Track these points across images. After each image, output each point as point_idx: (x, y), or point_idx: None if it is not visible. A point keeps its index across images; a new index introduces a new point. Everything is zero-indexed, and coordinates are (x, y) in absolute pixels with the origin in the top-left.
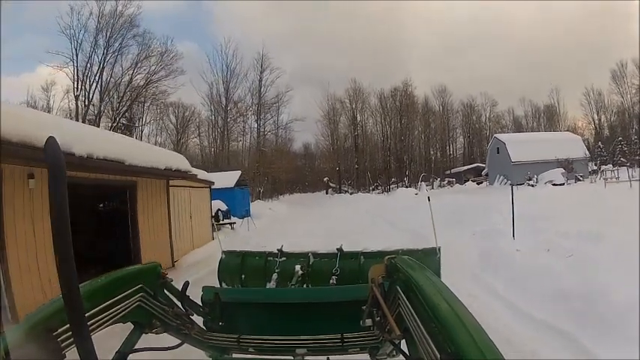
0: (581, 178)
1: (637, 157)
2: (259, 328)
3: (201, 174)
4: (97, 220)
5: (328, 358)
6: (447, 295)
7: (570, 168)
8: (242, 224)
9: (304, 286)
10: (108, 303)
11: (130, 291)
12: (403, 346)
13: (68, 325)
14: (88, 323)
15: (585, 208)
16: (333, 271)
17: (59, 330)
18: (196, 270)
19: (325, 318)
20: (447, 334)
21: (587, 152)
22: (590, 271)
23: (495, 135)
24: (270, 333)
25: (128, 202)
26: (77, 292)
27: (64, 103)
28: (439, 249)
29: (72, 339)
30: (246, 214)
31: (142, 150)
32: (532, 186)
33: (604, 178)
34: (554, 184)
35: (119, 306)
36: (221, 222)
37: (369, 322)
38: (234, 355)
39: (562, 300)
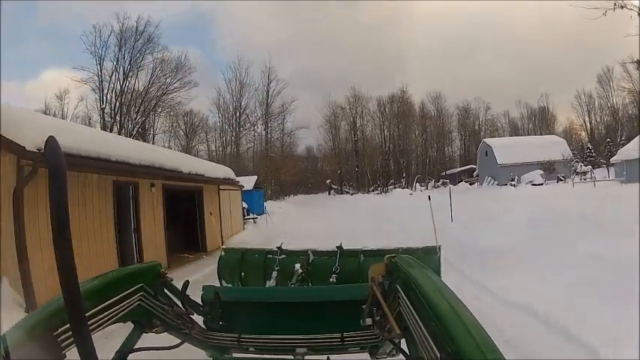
0: (562, 179)
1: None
2: (259, 328)
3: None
4: (182, 213)
5: (328, 357)
6: (447, 294)
7: (552, 169)
8: (261, 219)
9: (304, 284)
10: (108, 303)
11: (130, 290)
12: (403, 345)
13: (68, 325)
14: (88, 323)
15: (518, 202)
16: (333, 269)
17: (59, 330)
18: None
19: (325, 317)
20: (447, 333)
21: (569, 154)
22: (475, 234)
23: (484, 139)
24: (270, 332)
25: (196, 201)
26: (77, 291)
27: (77, 111)
28: (439, 248)
29: (72, 339)
30: (262, 211)
31: (203, 164)
32: (514, 186)
33: (583, 179)
34: (533, 184)
35: (119, 305)
36: (247, 217)
37: (369, 321)
38: (235, 355)
39: (457, 247)
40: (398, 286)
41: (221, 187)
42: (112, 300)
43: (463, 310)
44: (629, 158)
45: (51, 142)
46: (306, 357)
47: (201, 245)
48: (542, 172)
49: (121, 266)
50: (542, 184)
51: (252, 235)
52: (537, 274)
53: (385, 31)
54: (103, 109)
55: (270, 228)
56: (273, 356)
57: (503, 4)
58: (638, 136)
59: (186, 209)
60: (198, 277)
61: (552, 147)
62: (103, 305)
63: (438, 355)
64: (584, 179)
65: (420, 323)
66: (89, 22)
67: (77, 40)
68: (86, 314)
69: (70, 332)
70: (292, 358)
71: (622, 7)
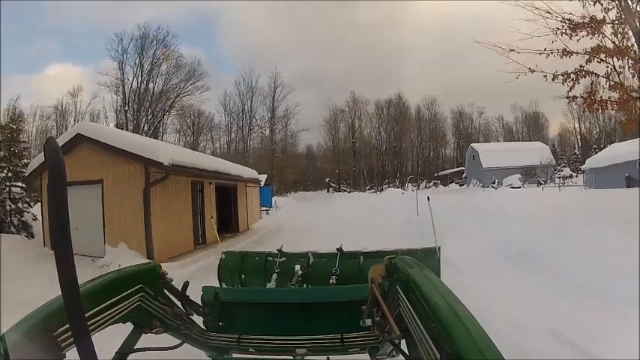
0: (543, 183)
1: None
2: (259, 328)
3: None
4: (222, 202)
5: (328, 358)
6: (446, 294)
7: (533, 174)
8: (271, 211)
9: (304, 286)
10: (108, 303)
11: (129, 291)
12: (403, 346)
13: (68, 325)
14: (88, 323)
15: (485, 201)
16: (333, 270)
17: (59, 330)
18: (262, 231)
19: (325, 318)
20: (446, 333)
21: (548, 160)
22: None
23: (471, 144)
24: (270, 333)
25: (232, 194)
26: (77, 292)
27: (89, 108)
28: (439, 249)
29: (72, 339)
30: (270, 205)
31: (237, 167)
32: (495, 188)
33: (562, 183)
34: (512, 187)
35: (119, 306)
36: (261, 209)
37: (368, 322)
38: (234, 355)
39: (419, 229)
40: (398, 287)
41: (247, 184)
42: (111, 300)
43: (463, 310)
44: (596, 166)
45: (51, 142)
46: (306, 358)
47: (234, 227)
48: (520, 176)
49: (195, 236)
50: (519, 187)
51: (270, 222)
52: (457, 243)
53: (385, 33)
54: (126, 111)
55: (281, 218)
56: (272, 357)
57: (502, 4)
58: (606, 148)
59: (225, 201)
60: (244, 244)
61: (535, 153)
62: (102, 306)
63: (438, 356)
64: (563, 184)
65: (420, 324)
66: (97, 20)
67: (84, 37)
68: (86, 315)
69: (70, 332)
70: (292, 358)
71: (532, 71)
